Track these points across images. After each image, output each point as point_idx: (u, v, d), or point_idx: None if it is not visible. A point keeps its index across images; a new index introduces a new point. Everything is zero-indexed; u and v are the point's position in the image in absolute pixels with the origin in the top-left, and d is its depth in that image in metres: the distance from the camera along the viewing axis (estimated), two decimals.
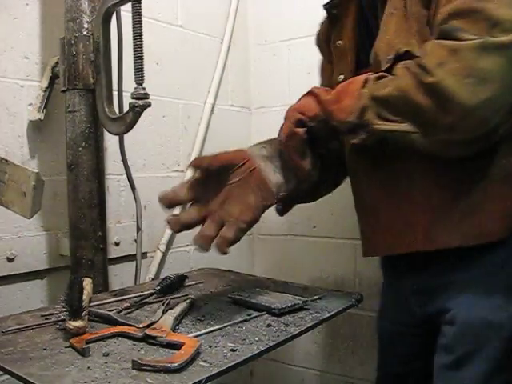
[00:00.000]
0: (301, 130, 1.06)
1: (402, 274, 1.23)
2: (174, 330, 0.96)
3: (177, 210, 1.82)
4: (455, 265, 1.12)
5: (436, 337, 1.17)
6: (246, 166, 1.08)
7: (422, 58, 0.96)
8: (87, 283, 1.18)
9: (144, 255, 1.68)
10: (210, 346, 0.89)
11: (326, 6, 1.34)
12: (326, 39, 1.40)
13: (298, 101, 1.14)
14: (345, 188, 1.87)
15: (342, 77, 1.25)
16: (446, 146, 1.00)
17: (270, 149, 1.13)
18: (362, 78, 1.03)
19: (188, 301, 1.11)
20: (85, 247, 1.32)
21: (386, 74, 1.01)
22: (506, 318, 1.08)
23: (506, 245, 1.07)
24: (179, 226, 1.04)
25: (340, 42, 1.29)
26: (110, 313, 1.04)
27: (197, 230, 1.02)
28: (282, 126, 1.11)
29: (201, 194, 1.06)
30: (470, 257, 1.10)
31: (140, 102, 1.17)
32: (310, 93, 1.10)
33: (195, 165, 1.10)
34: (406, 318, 1.25)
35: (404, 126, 0.96)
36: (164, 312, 1.02)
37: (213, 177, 1.07)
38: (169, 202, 1.05)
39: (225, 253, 1.01)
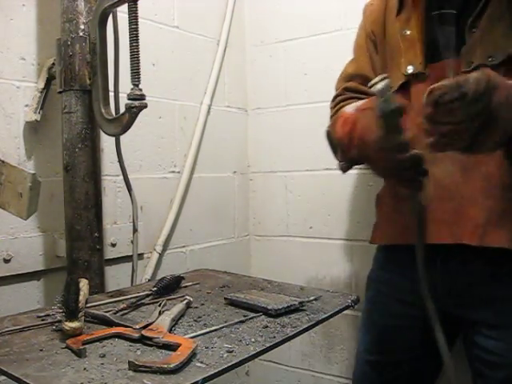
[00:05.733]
0: None
1: (437, 273, 1.27)
2: (170, 330, 0.96)
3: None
4: (495, 274, 1.22)
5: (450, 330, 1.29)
6: None
7: None
8: (83, 284, 1.18)
9: (140, 256, 1.68)
10: (207, 347, 0.89)
11: None
12: (382, 26, 1.39)
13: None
14: (342, 189, 1.88)
15: (411, 68, 1.26)
16: None
17: None
18: None
19: (184, 302, 1.12)
20: (81, 248, 1.32)
21: None
22: None
23: None
24: None
25: (408, 31, 1.29)
26: (107, 314, 1.05)
27: None
28: None
29: None
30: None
31: (136, 103, 1.17)
32: None
33: None
34: (418, 312, 1.27)
35: None
36: (160, 313, 1.03)
37: None
38: None
39: None
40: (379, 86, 1.01)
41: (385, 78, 1.01)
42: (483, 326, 1.25)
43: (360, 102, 1.30)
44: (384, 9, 1.40)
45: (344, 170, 1.39)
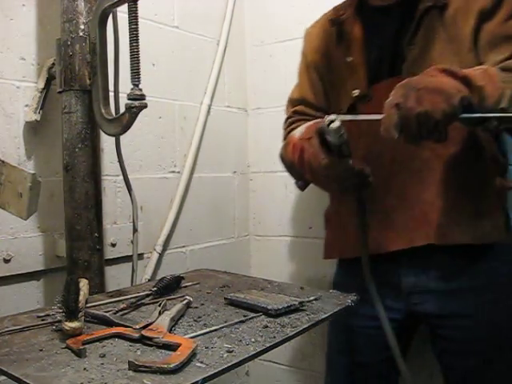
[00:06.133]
0: (459, 112, 1.08)
1: (399, 273, 1.38)
2: (170, 330, 0.96)
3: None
4: (456, 268, 1.33)
5: (412, 328, 1.48)
6: None
7: None
8: (83, 284, 1.18)
9: (140, 256, 1.68)
10: (207, 347, 0.89)
11: (335, 23, 1.46)
12: (325, 54, 1.49)
13: (430, 75, 1.12)
14: None
15: (357, 91, 1.37)
16: None
17: None
18: (492, 69, 1.14)
19: (184, 302, 1.12)
20: (81, 248, 1.32)
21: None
22: None
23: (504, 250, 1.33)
24: None
25: (350, 58, 1.40)
26: (107, 314, 1.04)
27: None
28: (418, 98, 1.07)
29: None
30: (473, 260, 1.31)
31: (136, 103, 1.17)
32: (454, 74, 1.10)
33: None
34: (388, 313, 1.37)
35: None
36: (160, 313, 1.02)
37: None
38: None
39: None
40: (335, 125, 1.13)
41: (335, 120, 1.14)
42: (449, 317, 1.34)
43: (303, 128, 1.41)
44: (324, 36, 1.49)
45: (302, 188, 1.55)
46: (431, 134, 1.07)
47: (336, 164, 1.22)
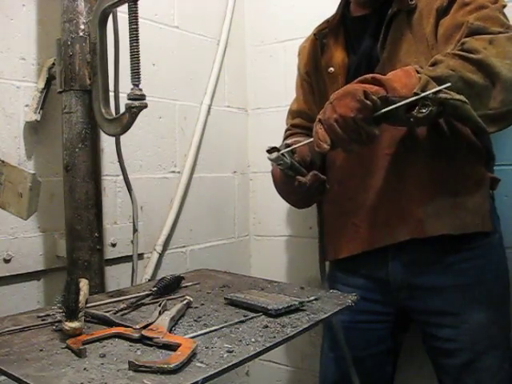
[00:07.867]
0: (369, 103, 1.12)
1: (387, 269, 1.41)
2: (170, 331, 0.96)
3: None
4: (442, 265, 1.35)
5: (404, 323, 1.51)
6: None
7: (464, 44, 1.17)
8: (84, 284, 1.18)
9: (140, 256, 1.68)
10: (207, 347, 0.89)
11: (318, 36, 1.55)
12: (313, 67, 1.57)
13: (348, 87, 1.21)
14: None
15: None
16: (491, 121, 1.17)
17: None
18: (411, 66, 1.19)
19: (184, 302, 1.12)
20: (81, 248, 1.32)
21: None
22: (505, 315, 1.38)
23: (485, 242, 1.35)
24: None
25: (331, 68, 1.49)
26: (107, 314, 1.05)
27: None
28: (334, 104, 1.17)
29: None
30: (460, 257, 1.34)
31: (136, 103, 1.17)
32: (365, 79, 1.19)
33: None
34: (380, 307, 1.45)
35: (461, 97, 1.12)
36: (160, 313, 1.03)
37: None
38: None
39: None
40: (272, 156, 1.26)
41: (274, 149, 1.26)
42: (436, 315, 1.36)
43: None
44: (312, 50, 1.58)
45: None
46: (358, 134, 1.14)
47: (286, 182, 1.38)
